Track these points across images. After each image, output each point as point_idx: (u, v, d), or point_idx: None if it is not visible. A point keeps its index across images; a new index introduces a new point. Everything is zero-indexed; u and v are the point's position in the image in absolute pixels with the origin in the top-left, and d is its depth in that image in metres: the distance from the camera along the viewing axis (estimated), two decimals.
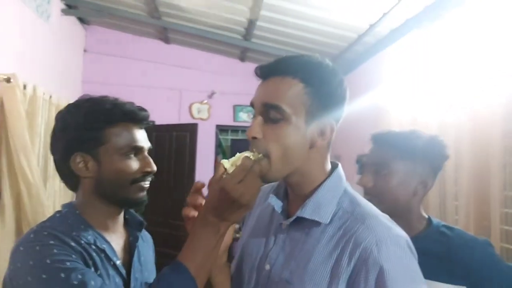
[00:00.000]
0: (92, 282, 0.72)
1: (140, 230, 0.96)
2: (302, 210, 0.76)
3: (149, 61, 4.71)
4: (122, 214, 0.92)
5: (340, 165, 0.82)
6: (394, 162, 1.01)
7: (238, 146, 4.80)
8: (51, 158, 3.26)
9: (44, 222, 0.85)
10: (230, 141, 4.94)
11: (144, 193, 0.88)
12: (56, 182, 3.42)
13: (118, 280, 0.84)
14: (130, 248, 0.92)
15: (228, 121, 4.93)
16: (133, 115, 0.86)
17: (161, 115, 4.13)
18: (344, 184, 0.79)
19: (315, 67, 0.75)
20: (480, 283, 0.91)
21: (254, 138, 0.74)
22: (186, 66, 4.78)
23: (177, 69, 4.77)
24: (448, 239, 0.98)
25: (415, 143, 1.02)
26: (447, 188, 2.29)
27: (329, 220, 0.73)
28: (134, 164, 0.85)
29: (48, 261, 0.72)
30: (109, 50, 4.63)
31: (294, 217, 0.77)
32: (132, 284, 0.87)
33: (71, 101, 2.91)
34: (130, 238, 0.93)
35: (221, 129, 4.96)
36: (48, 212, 3.26)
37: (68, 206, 0.88)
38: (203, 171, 4.59)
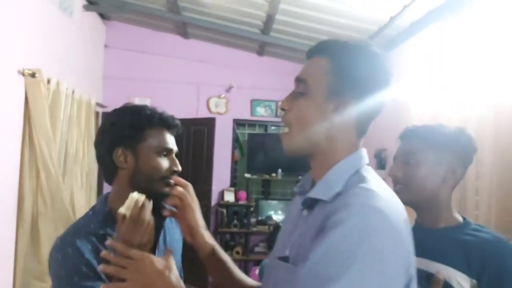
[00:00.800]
0: None
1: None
2: (312, 191, 0.76)
3: (168, 55, 4.77)
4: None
5: (364, 150, 0.79)
6: (422, 151, 1.03)
7: (255, 141, 4.81)
8: (70, 152, 3.32)
9: (79, 220, 1.03)
10: (247, 135, 4.95)
11: (170, 188, 1.01)
12: (73, 174, 3.52)
13: None
14: (156, 234, 1.01)
15: (245, 115, 4.95)
16: (168, 122, 1.03)
17: (179, 110, 4.14)
18: (359, 165, 0.75)
19: (343, 46, 0.77)
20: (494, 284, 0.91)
21: (283, 109, 0.79)
22: (204, 61, 4.81)
23: (195, 64, 4.81)
24: (480, 235, 0.98)
25: (442, 133, 1.05)
26: (468, 183, 2.25)
27: (331, 197, 0.71)
28: (164, 163, 1.01)
29: (62, 273, 0.91)
30: (129, 46, 4.71)
31: (303, 199, 0.77)
32: None
33: (93, 96, 3.00)
34: (156, 223, 1.01)
35: (238, 123, 4.99)
36: (66, 200, 3.37)
37: (101, 202, 1.04)
38: (221, 165, 4.64)
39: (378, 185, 0.70)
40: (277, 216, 4.69)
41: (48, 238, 3.00)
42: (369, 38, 3.51)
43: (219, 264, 0.97)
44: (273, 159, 4.61)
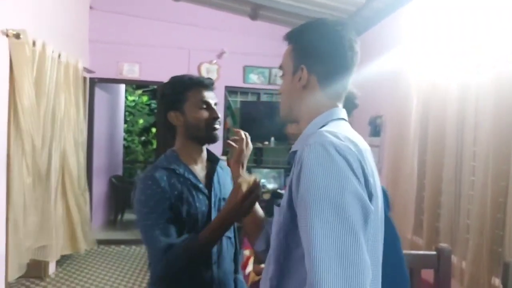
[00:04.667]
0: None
1: (217, 163, 1.38)
2: (292, 146, 0.92)
3: (156, 19, 4.58)
4: (205, 152, 1.36)
5: (337, 108, 0.93)
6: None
7: (247, 108, 4.74)
8: (58, 118, 3.25)
9: (155, 162, 1.29)
10: (240, 103, 4.88)
11: (216, 132, 1.29)
12: (62, 138, 3.44)
13: (201, 196, 1.27)
14: (211, 175, 1.34)
15: (237, 82, 4.85)
16: (202, 82, 1.29)
17: (169, 75, 4.04)
18: (328, 119, 0.89)
19: (300, 30, 0.94)
20: None
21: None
22: (195, 25, 4.64)
23: (185, 28, 4.64)
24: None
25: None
26: (465, 148, 2.25)
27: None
28: (205, 113, 1.27)
29: (143, 197, 1.19)
30: (115, 8, 4.50)
31: (290, 153, 0.92)
32: (212, 198, 1.29)
33: (80, 60, 3.04)
34: (210, 169, 1.36)
35: (230, 91, 4.89)
36: (54, 163, 3.29)
37: (170, 151, 1.32)
38: None
39: (333, 128, 0.83)
40: (270, 184, 4.71)
41: (34, 203, 2.96)
42: (367, 1, 3.41)
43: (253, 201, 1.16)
44: (266, 127, 4.58)
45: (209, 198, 1.29)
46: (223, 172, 1.42)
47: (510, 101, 1.94)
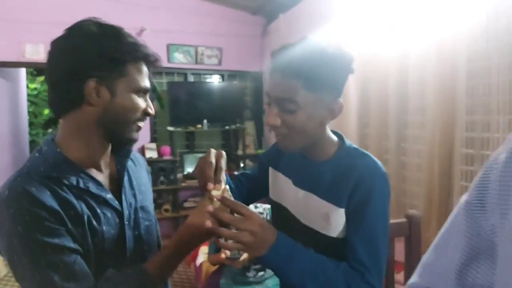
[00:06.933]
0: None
1: (127, 157, 0.96)
2: None
3: None
4: (110, 147, 0.92)
5: None
6: (301, 96, 0.85)
7: (175, 90, 4.42)
8: None
9: (23, 166, 0.81)
10: (166, 84, 4.53)
11: (138, 133, 0.90)
12: None
13: (110, 214, 0.85)
14: (119, 175, 0.93)
15: (161, 62, 4.48)
16: (152, 58, 0.88)
17: None
18: None
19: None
20: (353, 215, 0.89)
21: None
22: None
23: (101, 3, 4.13)
24: (353, 161, 0.92)
25: (324, 71, 0.85)
26: (409, 117, 2.32)
27: None
28: (142, 103, 0.87)
29: (20, 229, 0.72)
30: None
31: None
32: (125, 212, 0.89)
33: None
34: (118, 166, 0.94)
35: (154, 72, 4.52)
36: None
37: (47, 144, 0.84)
38: None
39: None
40: None
41: None
42: None
43: None
44: (197, 109, 4.33)
45: (120, 213, 0.87)
46: (136, 168, 1.01)
47: (452, 68, 2.01)
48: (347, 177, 0.90)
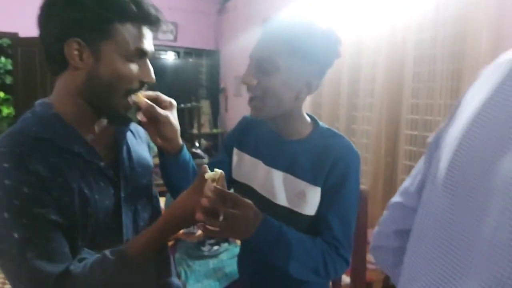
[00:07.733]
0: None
1: (126, 126, 0.88)
2: None
3: None
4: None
5: None
6: (282, 58, 0.86)
7: None
8: None
9: (16, 124, 0.75)
10: None
11: (134, 112, 0.82)
12: None
13: (103, 183, 0.79)
14: (117, 145, 0.85)
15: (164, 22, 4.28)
16: (149, 16, 0.76)
17: (30, 26, 3.32)
18: None
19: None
20: (329, 193, 0.92)
21: None
22: None
23: None
24: (329, 141, 0.95)
25: (310, 41, 0.87)
26: (360, 100, 2.44)
27: None
28: (135, 70, 0.76)
29: None
30: None
31: None
32: (122, 183, 0.82)
33: None
34: (116, 135, 0.86)
35: None
36: None
37: (42, 104, 0.77)
38: None
39: None
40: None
41: None
42: None
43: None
44: (151, 86, 4.21)
45: (116, 185, 0.82)
46: (137, 140, 0.95)
47: (401, 55, 2.13)
48: (324, 157, 0.93)
